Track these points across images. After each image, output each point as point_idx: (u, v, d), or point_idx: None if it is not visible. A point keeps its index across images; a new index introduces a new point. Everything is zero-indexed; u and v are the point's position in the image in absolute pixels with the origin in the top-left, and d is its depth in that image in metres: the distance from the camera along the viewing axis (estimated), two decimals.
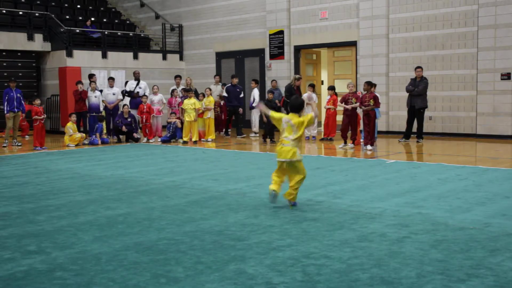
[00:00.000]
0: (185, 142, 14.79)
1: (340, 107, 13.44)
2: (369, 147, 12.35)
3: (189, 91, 15.37)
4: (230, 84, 16.79)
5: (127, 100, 16.42)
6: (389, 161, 10.27)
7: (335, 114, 14.86)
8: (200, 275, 4.13)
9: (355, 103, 12.89)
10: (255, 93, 16.54)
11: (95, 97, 15.61)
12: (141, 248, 4.86)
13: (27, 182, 8.63)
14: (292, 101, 6.65)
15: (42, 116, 14.07)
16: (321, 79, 19.28)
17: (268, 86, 18.16)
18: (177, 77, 17.10)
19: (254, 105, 16.22)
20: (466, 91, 14.73)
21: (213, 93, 16.91)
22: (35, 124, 13.99)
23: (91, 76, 16.44)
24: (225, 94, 16.79)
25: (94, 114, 15.41)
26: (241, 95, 16.66)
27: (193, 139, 14.96)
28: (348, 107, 12.95)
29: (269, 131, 14.40)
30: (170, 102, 15.89)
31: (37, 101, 14.37)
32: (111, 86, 15.99)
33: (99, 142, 14.75)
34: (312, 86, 15.24)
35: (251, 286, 3.88)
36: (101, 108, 15.69)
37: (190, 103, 14.95)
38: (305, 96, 15.13)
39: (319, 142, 14.56)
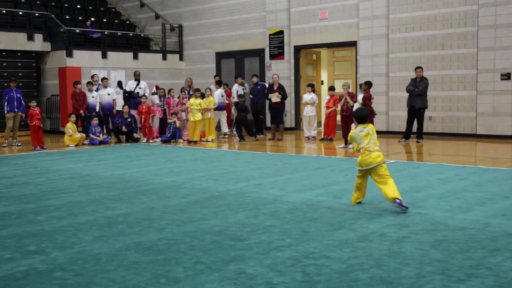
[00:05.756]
0: (194, 142, 14.78)
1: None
2: None
3: (196, 91, 15.31)
4: (253, 85, 16.59)
5: (118, 98, 16.46)
6: (389, 161, 10.27)
7: (335, 114, 14.86)
8: (200, 275, 4.13)
9: (351, 102, 12.96)
10: (233, 88, 16.61)
11: (92, 97, 15.66)
12: (141, 248, 4.86)
13: (27, 182, 8.63)
14: (359, 113, 6.68)
15: (40, 124, 14.11)
16: (321, 79, 19.29)
17: None
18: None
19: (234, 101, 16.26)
20: (466, 91, 14.72)
21: (213, 93, 16.89)
22: (31, 124, 13.99)
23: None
24: (251, 96, 16.65)
25: (91, 114, 15.47)
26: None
27: (194, 139, 14.95)
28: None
29: (240, 129, 15.26)
30: (168, 102, 15.90)
31: (33, 103, 14.36)
32: (105, 87, 16.02)
33: (98, 141, 14.77)
34: (311, 86, 15.27)
35: (251, 286, 3.88)
36: (97, 109, 15.70)
37: (196, 103, 14.96)
38: (305, 96, 15.18)
39: (319, 142, 14.57)
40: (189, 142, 14.85)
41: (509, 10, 13.83)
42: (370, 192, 7.27)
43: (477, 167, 9.38)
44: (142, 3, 23.30)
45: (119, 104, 16.33)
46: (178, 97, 16.08)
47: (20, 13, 18.70)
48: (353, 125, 6.64)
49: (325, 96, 16.09)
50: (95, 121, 15.13)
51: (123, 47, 20.09)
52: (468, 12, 14.54)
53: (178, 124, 15.37)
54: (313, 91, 15.20)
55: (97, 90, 15.98)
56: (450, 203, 6.49)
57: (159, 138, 15.46)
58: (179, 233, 5.36)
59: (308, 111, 15.01)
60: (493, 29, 14.03)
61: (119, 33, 20.49)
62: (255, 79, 16.46)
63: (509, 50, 13.86)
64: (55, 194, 7.55)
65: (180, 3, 21.71)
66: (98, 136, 14.95)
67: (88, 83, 16.00)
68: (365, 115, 6.62)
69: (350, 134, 6.62)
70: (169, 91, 16.27)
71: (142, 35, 21.39)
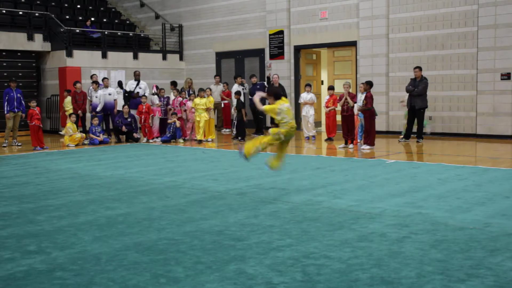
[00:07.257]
0: (198, 142, 14.80)
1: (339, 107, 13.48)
2: (366, 146, 12.35)
3: (201, 91, 15.29)
4: (252, 85, 16.57)
5: (119, 98, 16.45)
6: (389, 161, 10.27)
7: (335, 114, 14.86)
8: (200, 275, 4.13)
9: (351, 102, 12.96)
10: (233, 88, 16.78)
11: (96, 97, 15.68)
12: (141, 248, 4.86)
13: (27, 182, 8.62)
14: (275, 90, 7.59)
15: (40, 124, 14.08)
16: (321, 79, 19.29)
17: None
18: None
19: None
20: (466, 91, 14.72)
21: (213, 93, 16.90)
22: (31, 124, 13.98)
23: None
24: (250, 97, 16.58)
25: (94, 113, 15.50)
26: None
27: (198, 138, 14.95)
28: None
29: (243, 131, 15.17)
30: (172, 103, 15.88)
31: (33, 103, 14.35)
32: (106, 86, 16.05)
33: (98, 141, 14.77)
34: (310, 85, 15.29)
35: (251, 286, 3.88)
36: (98, 109, 15.71)
37: (202, 103, 14.97)
38: (303, 95, 15.18)
39: (318, 142, 14.55)
40: (200, 142, 14.80)
41: (509, 10, 13.83)
42: (370, 192, 7.28)
43: (477, 167, 9.38)
44: (142, 3, 23.30)
45: (120, 104, 16.34)
46: (182, 96, 16.04)
47: (20, 13, 18.69)
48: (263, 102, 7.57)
49: (325, 96, 16.09)
50: (95, 121, 15.13)
51: (123, 47, 20.09)
52: (468, 12, 14.54)
53: (178, 124, 15.37)
54: (311, 91, 15.22)
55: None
56: (450, 203, 6.49)
57: (159, 138, 15.46)
58: (179, 233, 5.36)
59: (307, 111, 15.01)
60: (493, 29, 14.03)
61: (119, 33, 20.49)
62: (254, 79, 16.45)
63: (509, 50, 13.86)
64: (55, 194, 7.55)
65: (180, 3, 21.71)
66: (98, 136, 14.95)
67: (94, 82, 16.02)
68: (280, 92, 7.33)
69: (272, 106, 7.02)
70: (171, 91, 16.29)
71: (142, 35, 21.38)
